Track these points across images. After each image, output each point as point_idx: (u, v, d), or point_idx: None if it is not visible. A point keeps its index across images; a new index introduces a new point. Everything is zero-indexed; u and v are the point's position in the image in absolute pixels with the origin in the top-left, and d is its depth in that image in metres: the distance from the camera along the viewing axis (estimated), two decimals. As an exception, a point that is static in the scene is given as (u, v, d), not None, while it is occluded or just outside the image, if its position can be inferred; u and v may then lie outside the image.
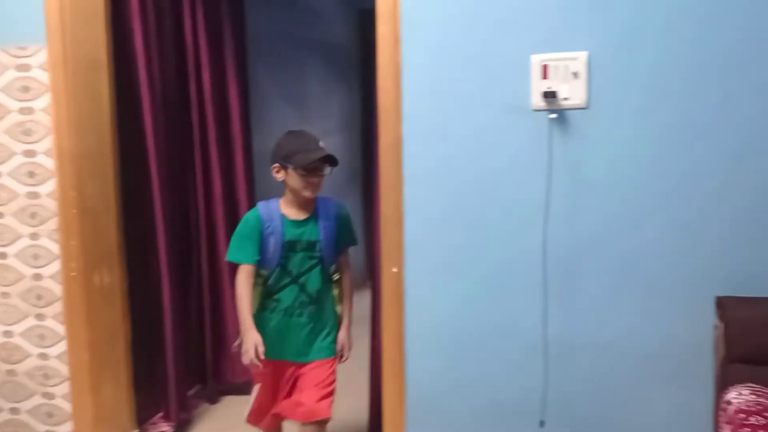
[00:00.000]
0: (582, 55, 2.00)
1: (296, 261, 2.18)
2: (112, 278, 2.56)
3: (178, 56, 3.00)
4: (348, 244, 2.31)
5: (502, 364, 2.13)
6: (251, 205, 3.35)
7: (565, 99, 2.02)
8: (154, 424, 2.86)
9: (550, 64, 2.02)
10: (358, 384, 2.80)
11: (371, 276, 5.60)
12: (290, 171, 2.12)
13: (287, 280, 2.19)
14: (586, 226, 2.03)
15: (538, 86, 2.03)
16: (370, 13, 2.19)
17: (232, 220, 3.24)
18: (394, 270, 2.17)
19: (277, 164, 2.15)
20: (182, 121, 3.04)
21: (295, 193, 2.16)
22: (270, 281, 2.19)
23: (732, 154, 1.93)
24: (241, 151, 3.23)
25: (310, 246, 2.18)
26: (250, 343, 2.10)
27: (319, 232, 2.19)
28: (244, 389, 3.23)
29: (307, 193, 2.14)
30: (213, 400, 3.20)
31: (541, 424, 2.11)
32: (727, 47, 1.91)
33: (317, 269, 2.20)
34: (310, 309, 2.21)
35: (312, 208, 2.20)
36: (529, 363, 2.10)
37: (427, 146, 2.13)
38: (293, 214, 2.18)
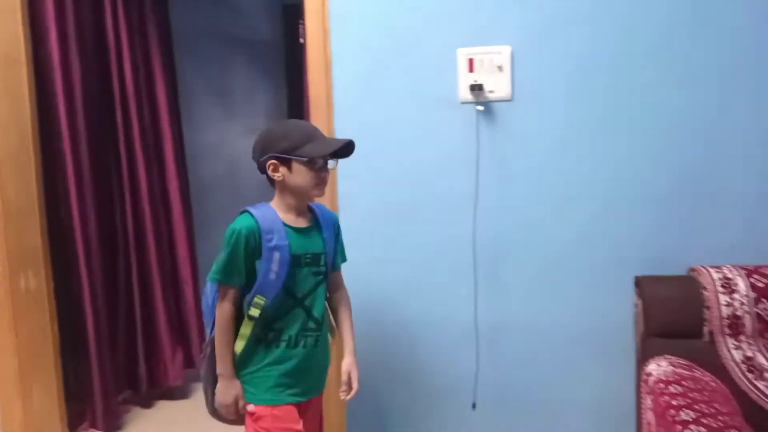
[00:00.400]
0: (506, 49, 2.07)
1: (300, 279, 1.72)
2: (38, 282, 2.47)
3: (100, 53, 2.91)
4: (343, 259, 1.89)
5: (436, 350, 2.20)
6: (185, 204, 3.29)
7: (491, 92, 2.09)
8: (84, 430, 2.77)
9: (476, 57, 2.09)
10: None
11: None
12: (296, 166, 1.67)
13: (290, 303, 1.71)
14: (513, 214, 2.12)
15: (465, 79, 2.09)
16: (295, 9, 2.20)
17: (166, 220, 3.18)
18: (330, 262, 2.19)
19: (274, 160, 1.68)
20: (106, 119, 2.95)
21: (300, 193, 1.72)
22: (268, 308, 1.69)
23: (648, 144, 2.04)
24: (171, 148, 3.17)
25: (315, 260, 1.75)
26: (230, 396, 1.70)
27: (323, 243, 1.77)
28: (178, 393, 3.19)
29: (317, 192, 1.72)
30: (147, 404, 3.12)
31: (473, 406, 2.18)
32: (645, 40, 2.02)
33: (322, 288, 1.78)
34: (316, 337, 1.76)
35: (310, 214, 1.79)
36: (462, 348, 2.17)
37: (359, 139, 2.13)
38: (294, 221, 1.73)
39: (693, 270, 1.98)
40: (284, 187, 1.71)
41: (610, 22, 2.03)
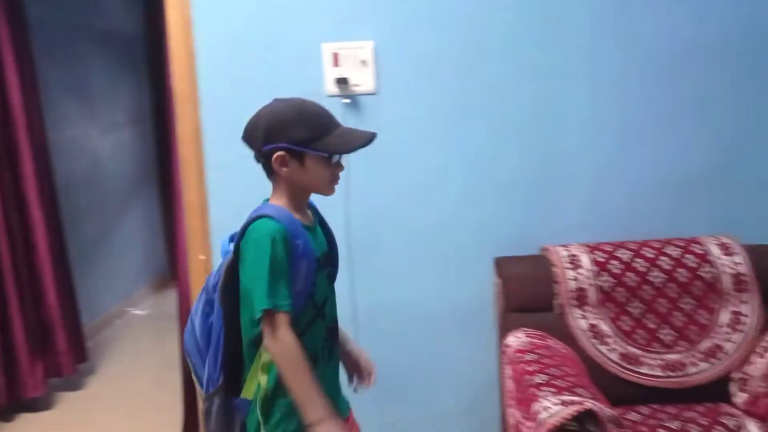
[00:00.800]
0: (368, 45, 2.15)
1: (319, 284, 1.45)
2: None
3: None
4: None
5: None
6: (46, 205, 3.09)
7: (356, 85, 2.16)
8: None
9: (341, 52, 2.15)
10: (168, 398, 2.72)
11: (175, 272, 5.44)
12: (310, 161, 1.40)
13: (311, 314, 1.44)
14: (383, 201, 2.21)
15: (331, 73, 2.15)
16: (155, 1, 2.15)
17: (21, 224, 2.98)
18: (202, 257, 2.17)
19: (282, 151, 1.39)
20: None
21: (309, 191, 1.48)
22: (294, 324, 1.37)
23: (499, 134, 2.20)
24: (28, 146, 2.96)
25: (328, 260, 1.52)
26: None
27: (325, 240, 1.54)
28: (39, 405, 3.02)
29: (331, 191, 1.48)
30: (7, 418, 2.93)
31: (355, 389, 2.24)
32: (495, 37, 2.16)
33: (333, 290, 1.55)
34: (330, 347, 1.51)
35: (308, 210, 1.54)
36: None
37: (228, 132, 2.13)
38: (305, 219, 1.48)
39: (544, 249, 2.16)
40: (290, 183, 1.43)
41: (463, 20, 2.15)
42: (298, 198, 1.46)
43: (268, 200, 1.48)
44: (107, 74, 4.50)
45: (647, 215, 2.22)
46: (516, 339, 1.97)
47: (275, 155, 1.39)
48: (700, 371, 1.97)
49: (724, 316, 2.00)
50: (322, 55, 2.15)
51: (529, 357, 1.85)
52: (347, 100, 2.16)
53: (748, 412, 1.87)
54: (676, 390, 1.97)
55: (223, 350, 1.41)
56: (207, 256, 2.17)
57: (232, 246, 1.43)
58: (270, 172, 1.44)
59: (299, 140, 1.38)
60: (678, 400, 1.96)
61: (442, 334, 2.28)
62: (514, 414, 1.81)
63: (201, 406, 1.44)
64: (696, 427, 1.79)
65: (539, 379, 1.71)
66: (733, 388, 1.96)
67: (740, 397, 1.93)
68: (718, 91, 2.18)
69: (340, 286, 2.18)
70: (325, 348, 1.47)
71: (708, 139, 2.19)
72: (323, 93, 2.16)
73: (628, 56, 2.16)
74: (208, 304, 1.45)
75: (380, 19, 2.15)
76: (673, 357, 1.99)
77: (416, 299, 2.25)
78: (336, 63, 2.15)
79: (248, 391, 1.39)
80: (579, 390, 1.64)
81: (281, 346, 1.32)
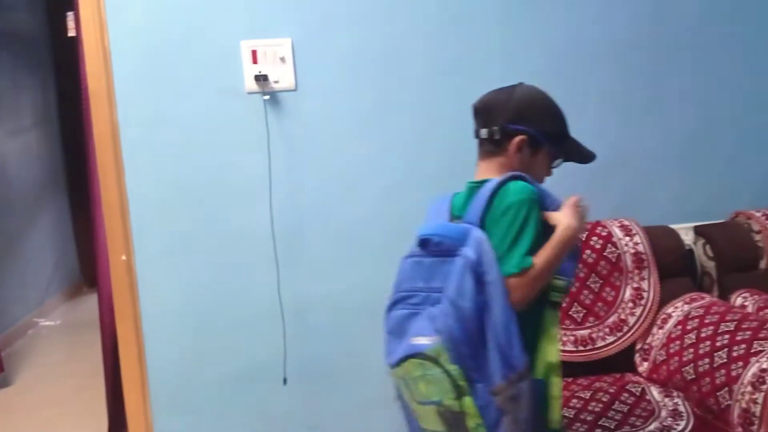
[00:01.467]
0: (287, 42, 2.18)
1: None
2: None
3: None
4: None
5: (244, 333, 2.26)
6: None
7: (276, 82, 2.19)
8: None
9: (259, 49, 2.17)
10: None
11: (88, 279, 5.26)
12: (543, 154, 1.41)
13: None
14: (307, 197, 2.24)
15: (250, 70, 2.17)
16: (59, 1, 2.10)
17: None
18: (123, 258, 2.14)
19: (525, 136, 1.37)
20: None
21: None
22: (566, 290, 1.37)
23: (421, 126, 2.27)
24: None
25: None
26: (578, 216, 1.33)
27: None
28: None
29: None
30: None
31: (285, 381, 2.28)
32: (410, 34, 2.23)
33: None
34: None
35: None
36: (269, 327, 2.25)
37: (146, 131, 2.13)
38: None
39: (463, 237, 2.26)
40: (510, 168, 1.38)
41: (381, 16, 2.22)
42: None
43: (476, 183, 1.39)
44: (9, 76, 4.30)
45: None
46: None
47: (519, 137, 1.36)
48: (608, 344, 2.12)
49: (628, 293, 2.17)
50: (241, 53, 2.16)
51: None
52: (267, 97, 2.18)
53: (651, 379, 2.04)
54: (587, 363, 2.11)
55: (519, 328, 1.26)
56: (129, 257, 2.14)
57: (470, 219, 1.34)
58: (495, 149, 1.39)
59: (548, 133, 1.38)
60: (589, 372, 2.10)
61: (370, 325, 2.30)
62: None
63: (505, 394, 1.24)
64: (605, 395, 1.93)
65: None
66: (637, 358, 2.12)
67: (643, 366, 2.09)
68: (622, 86, 2.35)
69: (265, 282, 2.23)
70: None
71: (614, 130, 2.35)
72: (243, 90, 2.17)
73: (538, 53, 2.29)
74: (478, 282, 1.26)
75: (298, 16, 2.18)
76: (583, 333, 2.13)
77: (343, 292, 2.29)
78: (255, 60, 2.17)
79: (550, 353, 1.31)
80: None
81: (530, 282, 1.25)
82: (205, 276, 2.22)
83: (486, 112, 1.42)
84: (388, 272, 2.30)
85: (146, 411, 2.20)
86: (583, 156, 1.45)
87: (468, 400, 1.24)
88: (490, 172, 1.40)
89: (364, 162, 2.27)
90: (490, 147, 1.40)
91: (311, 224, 2.26)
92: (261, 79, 2.15)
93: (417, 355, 1.28)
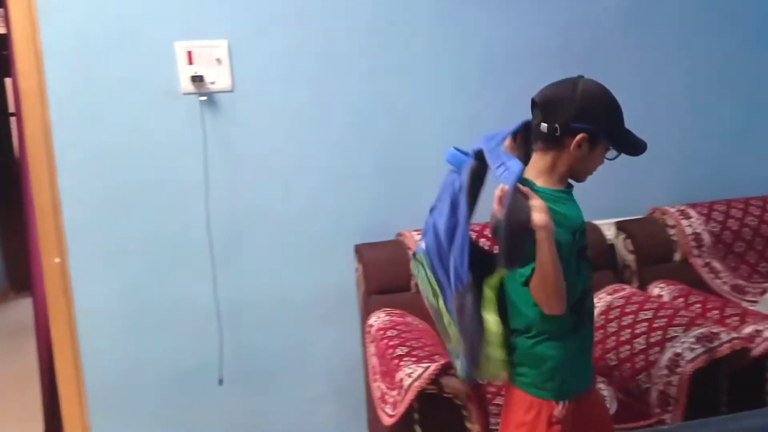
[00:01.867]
0: (223, 43, 2.20)
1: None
2: None
3: None
4: None
5: (180, 334, 2.26)
6: None
7: (212, 83, 2.20)
8: None
9: (195, 50, 2.18)
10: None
11: (15, 284, 5.08)
12: (600, 149, 1.42)
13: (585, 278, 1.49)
14: (243, 196, 2.26)
15: (186, 71, 2.17)
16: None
17: None
18: (57, 260, 2.11)
19: (586, 134, 1.37)
20: None
21: (577, 175, 1.44)
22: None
23: (355, 127, 2.33)
24: None
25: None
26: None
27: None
28: None
29: (585, 179, 1.47)
30: None
31: (220, 382, 2.29)
32: (348, 37, 2.28)
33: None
34: (592, 310, 1.57)
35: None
36: (205, 328, 2.26)
37: (80, 132, 2.11)
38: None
39: (400, 234, 2.33)
40: (569, 163, 1.40)
41: (316, 19, 2.26)
42: (566, 176, 1.42)
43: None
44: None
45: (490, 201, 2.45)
46: (378, 318, 2.12)
47: (580, 135, 1.36)
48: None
49: None
50: (176, 54, 2.16)
51: (390, 333, 2.00)
52: (203, 98, 2.19)
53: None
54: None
55: (469, 246, 1.36)
56: (62, 259, 2.11)
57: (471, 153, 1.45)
58: (554, 146, 1.38)
59: (606, 129, 1.39)
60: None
61: (307, 322, 2.37)
62: (379, 387, 1.95)
63: (455, 303, 1.37)
64: None
65: (401, 351, 1.86)
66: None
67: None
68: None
69: (201, 283, 2.23)
70: (591, 311, 1.50)
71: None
72: (179, 91, 2.17)
73: (470, 55, 2.38)
74: (453, 204, 1.42)
75: (232, 18, 2.20)
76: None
77: (280, 290, 2.32)
78: (190, 61, 2.17)
79: None
80: (436, 357, 1.81)
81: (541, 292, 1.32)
82: (140, 277, 2.21)
83: (548, 107, 1.40)
84: (325, 269, 2.37)
85: (83, 415, 2.17)
86: (636, 147, 1.46)
87: (441, 301, 1.44)
88: (541, 163, 1.41)
89: (300, 161, 2.30)
90: (547, 142, 1.39)
91: (247, 224, 2.28)
92: (197, 80, 2.16)
93: (414, 255, 1.52)
